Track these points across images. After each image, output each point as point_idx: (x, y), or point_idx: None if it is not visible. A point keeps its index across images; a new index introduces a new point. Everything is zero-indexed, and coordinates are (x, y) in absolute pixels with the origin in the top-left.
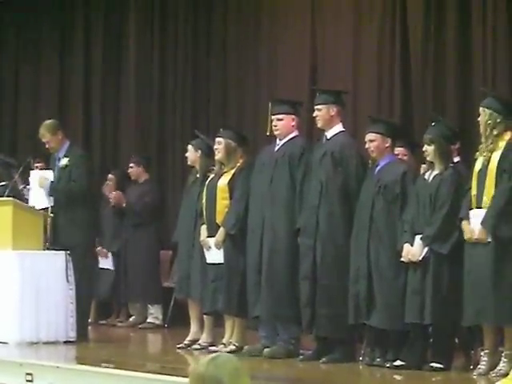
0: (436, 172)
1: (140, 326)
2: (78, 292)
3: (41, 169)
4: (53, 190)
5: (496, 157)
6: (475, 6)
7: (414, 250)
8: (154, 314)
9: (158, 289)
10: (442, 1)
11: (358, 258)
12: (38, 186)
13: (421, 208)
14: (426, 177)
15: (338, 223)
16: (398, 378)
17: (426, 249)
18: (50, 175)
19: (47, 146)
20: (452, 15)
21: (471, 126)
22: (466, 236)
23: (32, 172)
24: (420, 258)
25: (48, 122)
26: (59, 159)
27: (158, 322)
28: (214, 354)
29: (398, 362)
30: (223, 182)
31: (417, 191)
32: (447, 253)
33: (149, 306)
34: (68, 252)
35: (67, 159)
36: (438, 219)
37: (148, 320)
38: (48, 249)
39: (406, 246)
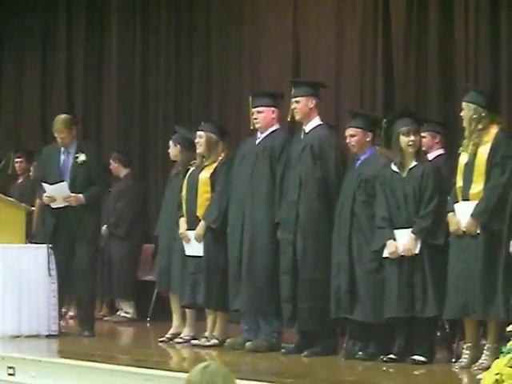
0: (411, 165)
1: (115, 320)
2: (83, 283)
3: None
4: (87, 199)
5: (484, 150)
6: None
7: (409, 245)
8: (124, 309)
9: (131, 284)
10: None
11: (340, 252)
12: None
13: (401, 202)
14: (397, 170)
15: (317, 217)
16: (380, 370)
17: (419, 242)
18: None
19: (60, 140)
20: (434, 7)
21: (453, 118)
22: (453, 228)
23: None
24: (417, 252)
25: (64, 116)
26: (68, 153)
27: (129, 315)
28: (204, 363)
29: (380, 356)
30: (205, 175)
31: (391, 186)
32: (443, 244)
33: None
34: (50, 246)
35: (84, 155)
36: (431, 212)
37: (120, 314)
38: (30, 242)
39: (392, 243)
